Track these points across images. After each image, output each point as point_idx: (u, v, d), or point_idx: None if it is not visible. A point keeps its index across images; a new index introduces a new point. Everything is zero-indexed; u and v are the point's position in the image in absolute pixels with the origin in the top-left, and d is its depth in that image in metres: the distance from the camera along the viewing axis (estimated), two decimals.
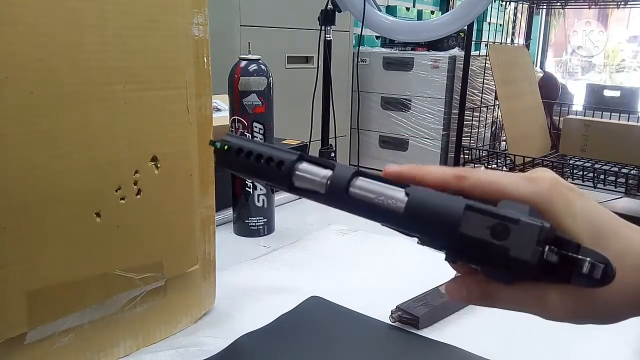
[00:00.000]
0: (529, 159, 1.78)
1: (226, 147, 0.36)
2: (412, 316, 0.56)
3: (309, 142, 1.72)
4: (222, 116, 0.86)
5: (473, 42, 2.14)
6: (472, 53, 2.14)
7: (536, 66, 2.90)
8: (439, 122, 2.50)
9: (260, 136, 0.77)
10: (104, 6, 0.44)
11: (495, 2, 2.00)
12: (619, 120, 1.94)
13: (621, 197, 1.61)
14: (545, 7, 2.60)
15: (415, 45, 2.58)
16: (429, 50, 2.52)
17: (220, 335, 0.54)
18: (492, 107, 2.28)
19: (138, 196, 0.48)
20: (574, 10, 3.46)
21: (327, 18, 1.59)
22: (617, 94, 2.41)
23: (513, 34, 2.42)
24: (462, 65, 2.14)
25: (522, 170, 1.82)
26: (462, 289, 0.33)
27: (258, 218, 0.81)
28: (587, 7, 2.19)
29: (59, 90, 0.42)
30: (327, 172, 0.32)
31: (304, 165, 0.33)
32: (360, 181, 0.32)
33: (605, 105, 2.27)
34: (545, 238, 0.27)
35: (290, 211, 0.95)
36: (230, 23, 1.97)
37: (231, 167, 0.36)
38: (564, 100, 2.24)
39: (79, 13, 0.42)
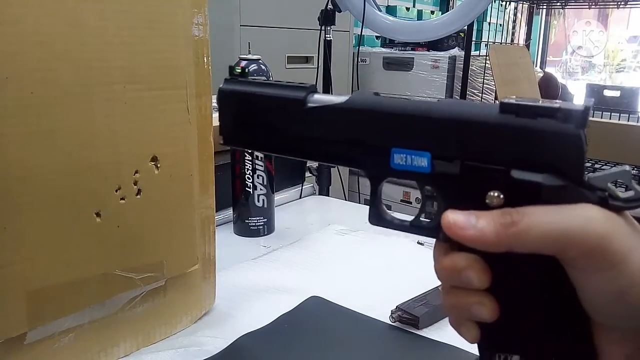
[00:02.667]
0: None
1: (247, 70, 0.37)
2: (412, 316, 0.56)
3: None
4: None
5: (473, 42, 2.13)
6: (472, 53, 2.13)
7: (536, 66, 2.90)
8: None
9: None
10: (104, 6, 0.44)
11: (495, 2, 2.00)
12: (619, 120, 1.94)
13: None
14: (545, 7, 2.60)
15: (415, 45, 2.57)
16: (429, 50, 2.52)
17: (220, 335, 0.54)
18: None
19: (138, 196, 0.48)
20: (574, 10, 3.46)
21: (327, 18, 1.59)
22: (617, 94, 2.41)
23: (513, 34, 2.42)
24: (462, 65, 2.14)
25: None
26: (472, 217, 0.28)
27: (258, 218, 0.81)
28: (587, 7, 2.19)
29: (59, 90, 0.42)
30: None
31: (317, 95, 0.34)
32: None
33: (605, 105, 2.26)
34: None
35: (290, 211, 0.95)
36: (230, 23, 1.97)
37: (239, 91, 0.36)
38: (564, 100, 2.24)
39: (79, 13, 0.42)
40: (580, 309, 0.27)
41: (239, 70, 0.37)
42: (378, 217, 0.33)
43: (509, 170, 0.28)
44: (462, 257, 0.29)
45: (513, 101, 0.28)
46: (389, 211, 0.34)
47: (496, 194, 0.28)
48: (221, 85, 0.36)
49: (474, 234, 0.27)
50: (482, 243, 0.27)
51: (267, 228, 0.82)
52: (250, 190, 0.79)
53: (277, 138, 0.35)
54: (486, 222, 0.27)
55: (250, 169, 0.79)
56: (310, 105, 0.33)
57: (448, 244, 0.30)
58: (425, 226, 0.32)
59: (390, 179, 0.32)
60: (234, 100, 0.36)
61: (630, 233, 0.27)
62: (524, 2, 2.20)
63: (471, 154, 0.29)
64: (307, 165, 1.10)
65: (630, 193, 0.27)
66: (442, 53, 2.44)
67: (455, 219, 0.28)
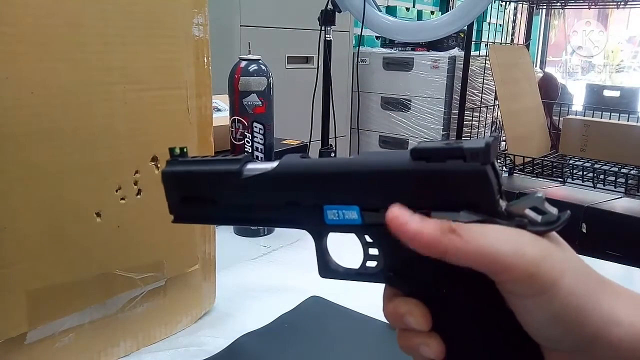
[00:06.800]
0: (529, 159, 1.78)
1: (185, 149, 0.38)
2: None
3: (309, 142, 1.72)
4: (222, 116, 0.86)
5: (473, 42, 2.13)
6: (472, 53, 2.14)
7: (536, 66, 2.90)
8: (439, 122, 2.50)
9: (261, 136, 0.77)
10: (104, 6, 0.44)
11: (495, 2, 1.99)
12: (618, 120, 1.94)
13: (621, 197, 1.61)
14: (545, 7, 2.60)
15: (415, 46, 2.58)
16: (429, 50, 2.52)
17: (220, 335, 0.54)
18: (492, 107, 2.28)
19: (138, 196, 0.48)
20: (574, 11, 3.46)
21: (327, 18, 1.59)
22: (616, 94, 2.41)
23: (513, 34, 2.42)
24: (462, 65, 2.14)
25: (521, 170, 1.83)
26: (416, 216, 0.28)
27: None
28: (587, 7, 2.19)
29: (59, 90, 0.42)
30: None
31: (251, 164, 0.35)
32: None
33: (605, 105, 2.27)
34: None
35: None
36: (230, 23, 1.97)
37: (180, 172, 0.37)
38: (564, 100, 2.24)
39: (79, 13, 0.42)
40: (527, 336, 0.28)
41: (178, 152, 0.38)
42: (326, 269, 0.35)
43: (429, 213, 0.29)
44: (403, 302, 0.30)
45: (423, 146, 0.29)
46: (335, 261, 0.36)
47: None
48: (163, 168, 0.38)
49: (414, 229, 0.28)
50: (419, 241, 0.28)
51: (267, 228, 0.82)
52: None
53: (221, 210, 0.36)
54: (428, 223, 0.28)
55: None
56: (245, 175, 0.34)
57: (393, 289, 0.32)
58: (371, 272, 0.33)
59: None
60: (176, 181, 0.37)
61: (560, 256, 0.27)
62: (524, 2, 2.20)
63: (393, 202, 0.30)
64: None
65: (547, 216, 0.28)
66: (442, 53, 2.44)
67: (400, 213, 0.28)
